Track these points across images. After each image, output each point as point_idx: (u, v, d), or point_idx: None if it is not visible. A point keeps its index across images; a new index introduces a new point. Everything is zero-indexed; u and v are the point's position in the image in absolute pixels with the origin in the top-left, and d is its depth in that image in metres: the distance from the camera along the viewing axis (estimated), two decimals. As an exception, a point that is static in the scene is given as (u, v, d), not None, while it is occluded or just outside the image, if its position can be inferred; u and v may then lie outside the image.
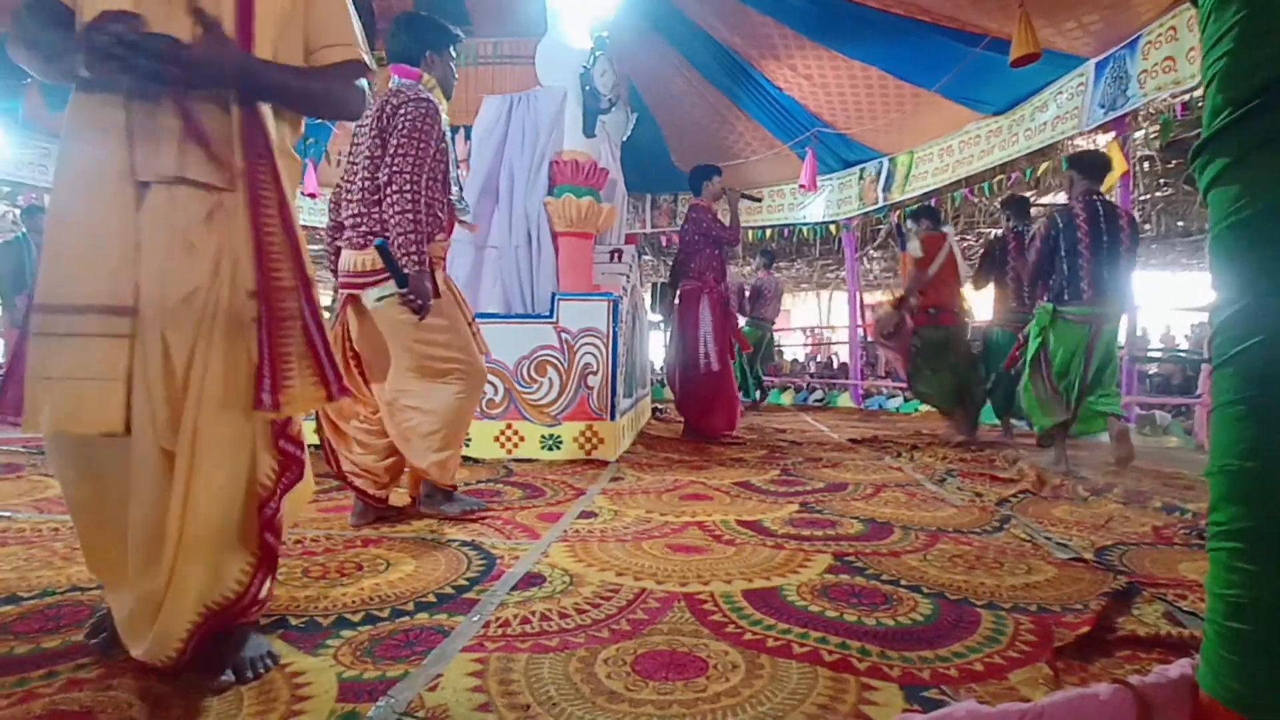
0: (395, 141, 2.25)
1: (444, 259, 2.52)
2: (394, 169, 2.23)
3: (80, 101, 1.19)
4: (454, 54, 2.52)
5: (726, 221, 4.89)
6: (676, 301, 5.04)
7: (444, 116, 2.37)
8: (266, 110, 1.25)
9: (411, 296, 2.23)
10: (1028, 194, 7.09)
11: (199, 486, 1.19)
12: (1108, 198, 3.64)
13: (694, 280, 4.91)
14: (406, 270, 2.21)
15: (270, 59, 1.26)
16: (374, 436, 2.47)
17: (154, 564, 1.20)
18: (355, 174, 2.36)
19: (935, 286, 4.81)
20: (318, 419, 2.46)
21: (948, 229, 5.00)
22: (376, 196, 2.29)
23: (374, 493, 2.44)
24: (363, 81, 1.40)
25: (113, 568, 1.27)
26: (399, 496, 2.64)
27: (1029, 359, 3.72)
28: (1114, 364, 3.59)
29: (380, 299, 2.30)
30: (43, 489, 2.85)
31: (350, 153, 2.43)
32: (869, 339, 7.31)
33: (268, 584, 1.30)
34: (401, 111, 2.26)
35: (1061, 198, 8.50)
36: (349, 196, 2.37)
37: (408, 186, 2.22)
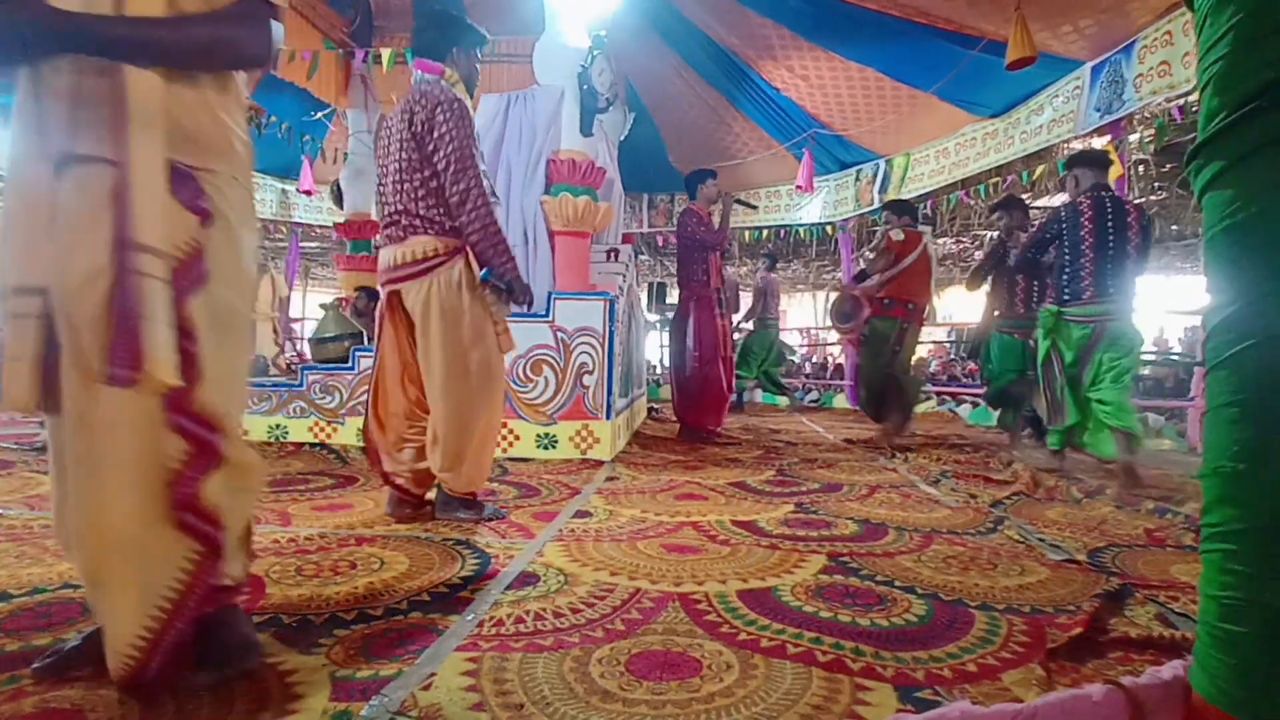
0: (448, 156, 2.25)
1: None
2: (461, 190, 2.26)
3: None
4: (480, 55, 2.55)
5: (716, 224, 4.94)
6: (673, 303, 5.13)
7: (471, 112, 2.38)
8: (127, 71, 1.15)
9: (519, 298, 2.38)
10: (1023, 196, 7.10)
11: (106, 470, 1.14)
12: (1115, 193, 3.47)
13: (684, 289, 5.04)
14: (512, 281, 2.34)
15: (158, 13, 1.16)
16: (421, 435, 2.49)
17: (85, 557, 1.18)
18: (387, 176, 2.38)
19: (900, 280, 4.80)
20: (365, 417, 2.49)
21: (925, 229, 5.00)
22: (415, 195, 2.31)
23: (415, 490, 2.48)
24: (277, 28, 1.26)
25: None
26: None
27: (1039, 365, 3.62)
28: (1120, 368, 3.28)
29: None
30: (34, 485, 2.83)
31: (377, 155, 2.43)
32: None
33: (216, 570, 1.23)
34: (439, 119, 2.26)
35: (1059, 199, 8.53)
36: (384, 199, 2.38)
37: (480, 201, 2.28)
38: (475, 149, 2.30)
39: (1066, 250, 3.39)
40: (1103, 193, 3.37)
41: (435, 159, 2.28)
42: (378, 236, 2.42)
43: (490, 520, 2.46)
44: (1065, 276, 3.40)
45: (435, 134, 2.26)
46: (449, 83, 2.40)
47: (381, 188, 2.41)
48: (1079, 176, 3.48)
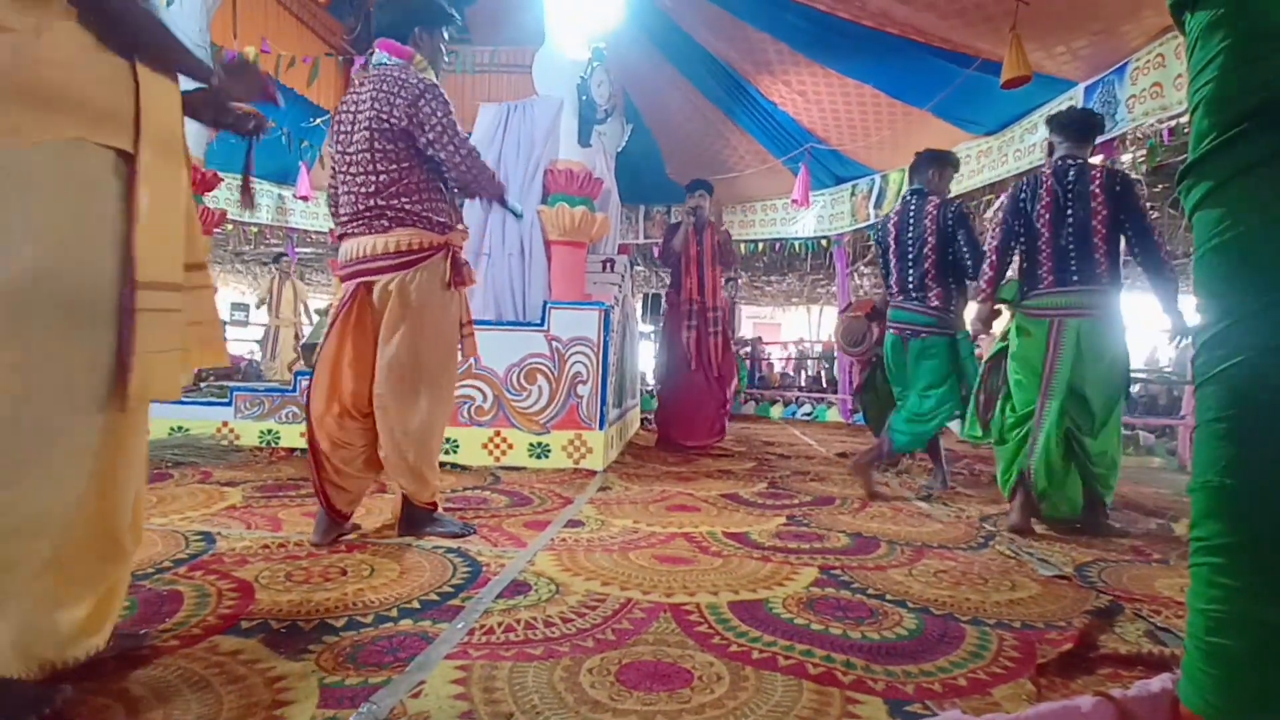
0: (447, 149, 2.20)
1: (463, 247, 2.41)
2: (466, 176, 2.27)
3: None
4: (446, 35, 2.37)
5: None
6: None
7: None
8: None
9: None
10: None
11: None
12: (1091, 160, 2.78)
13: (672, 290, 5.18)
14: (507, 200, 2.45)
15: None
16: (357, 437, 2.27)
17: None
18: (352, 166, 2.20)
19: None
20: (308, 420, 2.25)
21: None
22: (396, 189, 2.19)
23: (341, 508, 2.25)
24: None
25: None
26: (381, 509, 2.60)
27: (983, 366, 3.04)
28: (1102, 390, 2.62)
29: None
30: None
31: (337, 142, 2.24)
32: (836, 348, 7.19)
33: None
34: (425, 111, 2.16)
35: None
36: (349, 189, 2.22)
37: (485, 176, 2.31)
38: (461, 131, 2.24)
39: (1022, 229, 2.80)
40: (1069, 160, 2.73)
41: (430, 152, 2.19)
42: (344, 228, 2.27)
43: (463, 536, 2.32)
44: (1025, 261, 2.83)
45: (426, 129, 2.16)
46: (419, 68, 2.25)
47: (343, 176, 2.23)
48: (1052, 144, 2.84)
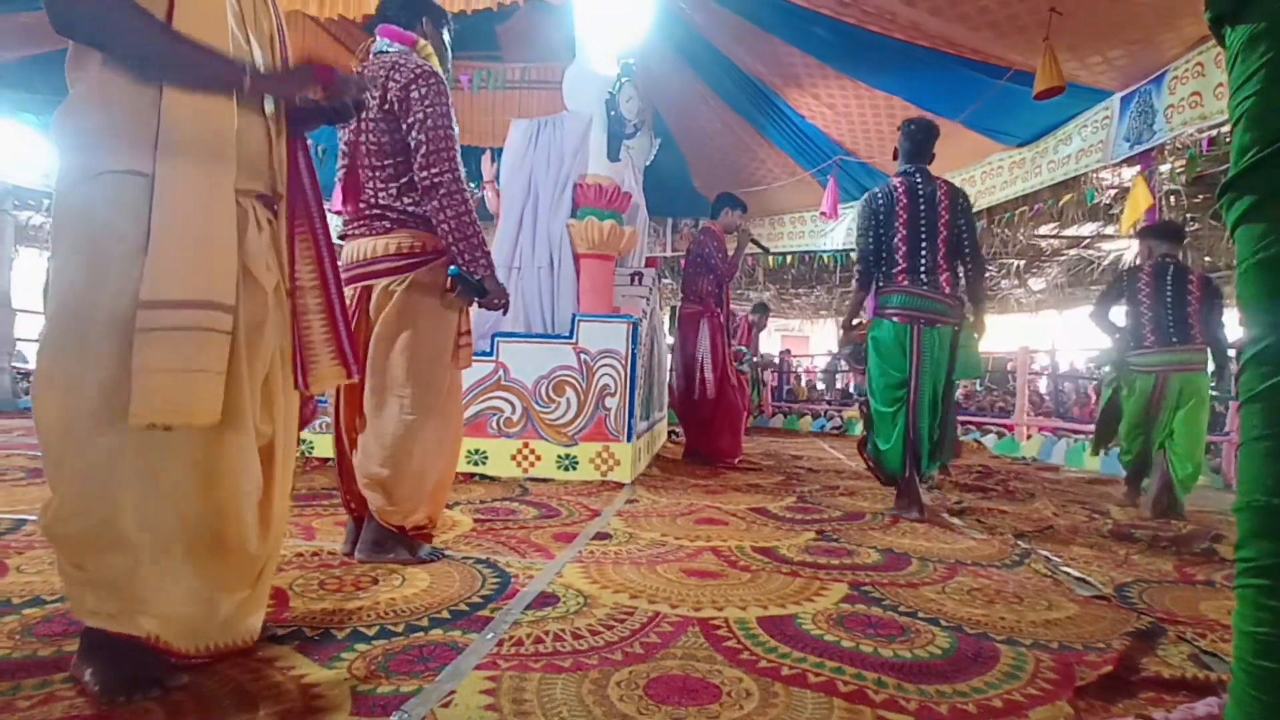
0: (424, 138, 1.99)
1: None
2: (434, 174, 2.00)
3: None
4: (446, 33, 2.28)
5: (730, 253, 5.03)
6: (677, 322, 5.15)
7: (449, 88, 2.11)
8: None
9: (495, 301, 2.10)
10: (1050, 225, 7.00)
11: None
12: (1182, 261, 3.79)
13: (694, 304, 5.09)
14: (483, 279, 2.06)
15: None
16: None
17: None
18: (355, 157, 2.11)
19: None
20: (336, 428, 2.18)
21: None
22: (392, 188, 2.08)
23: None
24: None
25: None
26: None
27: (1102, 406, 4.06)
28: (1188, 426, 3.56)
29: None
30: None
31: (343, 136, 2.13)
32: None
33: None
34: (414, 95, 2.00)
35: (1087, 228, 8.43)
36: (363, 180, 2.12)
37: (455, 188, 2.02)
38: (454, 130, 2.05)
39: (1127, 306, 3.75)
40: (1166, 259, 3.68)
41: (410, 139, 2.02)
42: (345, 228, 2.17)
43: (429, 561, 2.14)
44: (1131, 327, 3.75)
45: (411, 112, 2.00)
46: (421, 55, 2.13)
47: (348, 173, 2.14)
48: (1151, 247, 3.77)
